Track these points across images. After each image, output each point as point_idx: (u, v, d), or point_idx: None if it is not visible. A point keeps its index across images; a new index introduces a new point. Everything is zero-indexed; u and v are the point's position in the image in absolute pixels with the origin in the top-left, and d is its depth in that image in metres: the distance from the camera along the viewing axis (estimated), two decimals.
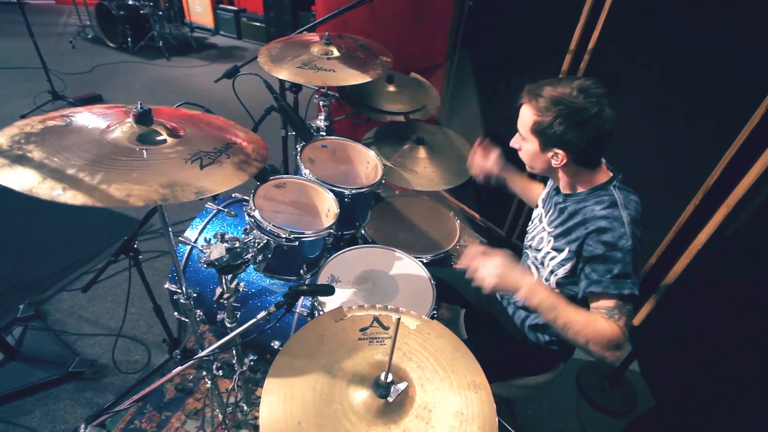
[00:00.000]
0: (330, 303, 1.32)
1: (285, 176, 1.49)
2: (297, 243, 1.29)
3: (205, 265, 1.06)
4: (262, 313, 0.97)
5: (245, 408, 1.61)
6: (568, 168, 1.13)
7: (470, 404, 0.79)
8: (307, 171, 1.57)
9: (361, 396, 0.77)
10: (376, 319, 0.92)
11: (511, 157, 1.57)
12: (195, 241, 1.62)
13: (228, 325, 1.27)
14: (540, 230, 1.27)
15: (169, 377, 0.86)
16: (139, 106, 0.92)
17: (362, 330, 0.90)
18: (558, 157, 1.08)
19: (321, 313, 1.32)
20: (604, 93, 1.02)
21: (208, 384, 1.48)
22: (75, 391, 1.75)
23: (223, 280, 1.15)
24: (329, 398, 0.76)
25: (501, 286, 1.06)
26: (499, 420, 0.80)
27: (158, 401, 1.74)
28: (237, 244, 1.09)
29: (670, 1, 1.60)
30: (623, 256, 1.02)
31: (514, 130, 1.18)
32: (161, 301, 1.71)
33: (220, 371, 1.46)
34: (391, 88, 2.16)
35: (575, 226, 1.11)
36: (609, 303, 1.05)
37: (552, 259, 1.18)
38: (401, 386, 0.78)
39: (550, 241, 1.20)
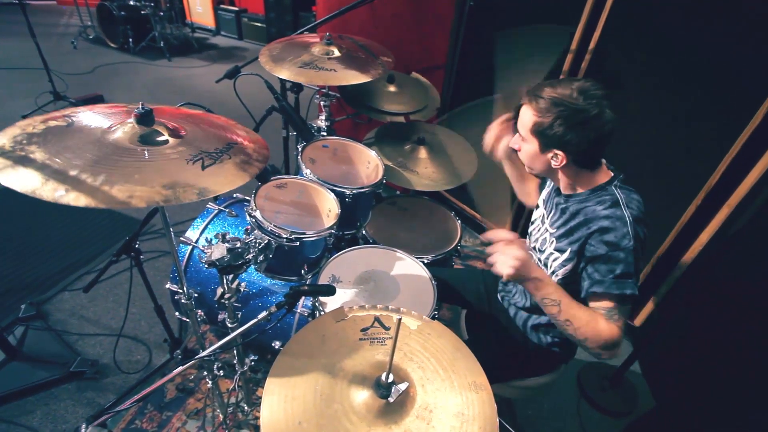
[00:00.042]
0: (331, 303, 1.32)
1: (286, 176, 1.49)
2: (298, 243, 1.30)
3: (206, 266, 1.06)
4: (263, 314, 0.97)
5: (246, 408, 1.61)
6: (567, 169, 1.12)
7: (471, 405, 0.79)
8: (308, 171, 1.57)
9: (362, 396, 0.77)
10: (377, 319, 0.92)
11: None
12: (196, 242, 1.62)
13: (229, 326, 1.27)
14: (542, 231, 1.27)
15: (170, 377, 0.87)
16: (140, 106, 0.93)
17: (363, 330, 0.90)
18: (558, 158, 1.08)
19: (322, 313, 1.32)
20: (605, 94, 1.02)
21: (209, 384, 1.48)
22: (76, 390, 1.75)
23: (224, 280, 1.15)
24: (330, 398, 0.76)
25: (516, 276, 1.05)
26: (499, 420, 0.80)
27: (159, 401, 1.74)
28: (238, 245, 1.09)
29: (670, 1, 1.60)
30: (626, 256, 1.02)
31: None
32: (162, 301, 1.71)
33: (221, 371, 1.46)
34: (392, 89, 2.17)
35: (577, 227, 1.11)
36: (610, 303, 1.05)
37: (555, 260, 1.18)
38: (402, 386, 0.78)
39: (552, 242, 1.20)
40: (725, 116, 1.57)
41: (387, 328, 0.91)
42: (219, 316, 1.31)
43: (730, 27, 1.49)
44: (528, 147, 1.13)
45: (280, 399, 0.75)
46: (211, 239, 1.10)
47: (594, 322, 1.04)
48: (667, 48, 1.65)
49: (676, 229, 1.80)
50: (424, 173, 1.94)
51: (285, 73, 1.64)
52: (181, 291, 1.24)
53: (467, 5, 2.26)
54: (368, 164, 1.81)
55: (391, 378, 0.76)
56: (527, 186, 1.50)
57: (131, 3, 5.20)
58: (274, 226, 1.26)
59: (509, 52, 2.07)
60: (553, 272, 1.19)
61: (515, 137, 1.18)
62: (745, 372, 1.58)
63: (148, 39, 5.31)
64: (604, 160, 1.16)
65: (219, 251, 1.06)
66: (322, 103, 2.05)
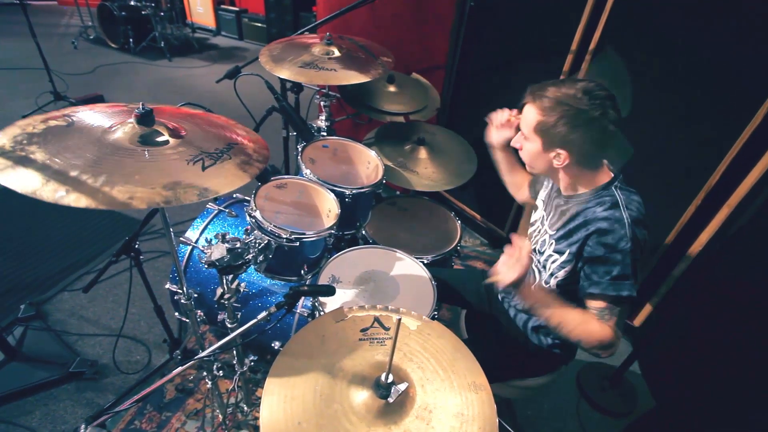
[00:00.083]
0: (331, 303, 1.32)
1: (286, 176, 1.49)
2: (298, 243, 1.30)
3: (206, 266, 1.06)
4: (263, 314, 0.97)
5: (245, 408, 1.61)
6: (569, 169, 1.12)
7: (471, 405, 0.79)
8: (308, 171, 1.57)
9: (361, 396, 0.77)
10: (376, 319, 0.92)
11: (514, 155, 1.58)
12: (196, 242, 1.62)
13: (228, 326, 1.27)
14: (542, 233, 1.27)
15: (169, 378, 0.86)
16: (141, 106, 0.93)
17: (363, 330, 0.90)
18: (560, 158, 1.08)
19: (322, 313, 1.32)
20: (609, 95, 1.02)
21: (209, 384, 1.48)
22: (75, 391, 1.75)
23: (224, 281, 1.15)
24: (330, 399, 0.76)
25: (512, 285, 1.06)
26: (499, 420, 0.80)
27: (158, 402, 1.74)
28: (238, 245, 1.09)
29: (670, 1, 1.60)
30: (623, 258, 1.02)
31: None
32: (162, 302, 1.71)
33: (221, 372, 1.46)
34: (392, 89, 2.17)
35: (576, 228, 1.11)
36: (603, 304, 1.06)
37: (553, 261, 1.18)
38: (402, 387, 0.78)
39: (552, 243, 1.19)
40: (725, 116, 1.57)
41: (387, 329, 0.91)
42: (219, 317, 1.31)
43: (730, 27, 1.49)
44: (530, 146, 1.13)
45: (280, 399, 0.75)
46: (211, 239, 1.10)
47: (585, 323, 1.06)
48: (667, 48, 1.65)
49: (676, 229, 1.81)
50: (424, 173, 1.94)
51: (285, 73, 1.64)
52: (180, 291, 1.24)
53: (468, 5, 2.26)
54: (368, 164, 1.81)
55: (390, 378, 0.76)
56: (516, 177, 1.52)
57: (132, 3, 5.20)
58: (274, 226, 1.26)
59: None
60: (552, 274, 1.19)
61: (517, 136, 1.18)
62: (745, 372, 1.57)
63: (148, 39, 5.32)
64: (605, 161, 1.16)
65: (219, 251, 1.06)
66: (322, 103, 2.05)
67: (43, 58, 3.44)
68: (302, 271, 1.42)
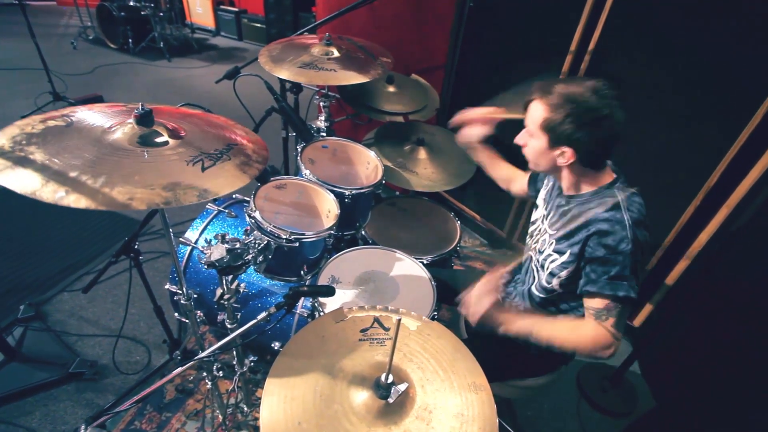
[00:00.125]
0: (330, 304, 1.32)
1: (285, 177, 1.49)
2: (297, 244, 1.30)
3: (205, 266, 1.06)
4: (263, 314, 0.97)
5: (245, 409, 1.61)
6: (573, 167, 1.12)
7: (471, 405, 0.79)
8: (307, 171, 1.57)
9: (361, 397, 0.77)
10: (376, 320, 0.92)
11: (513, 157, 1.58)
12: (195, 242, 1.62)
13: (228, 326, 1.27)
14: (542, 232, 1.27)
15: (169, 378, 0.86)
16: (140, 107, 0.93)
17: (363, 331, 0.90)
18: (565, 156, 1.08)
19: (321, 314, 1.32)
20: (616, 95, 1.02)
21: (209, 385, 1.48)
22: (75, 391, 1.75)
23: (224, 281, 1.15)
24: (330, 399, 0.76)
25: (483, 320, 1.15)
26: (499, 421, 0.80)
27: (158, 402, 1.74)
28: (237, 245, 1.09)
29: (670, 1, 1.60)
30: (623, 259, 1.02)
31: (516, 131, 1.18)
32: (162, 302, 1.71)
33: (221, 372, 1.46)
34: (391, 89, 2.17)
35: (578, 229, 1.11)
36: (600, 303, 1.06)
37: (552, 261, 1.18)
38: (402, 387, 0.78)
39: (552, 243, 1.19)
40: (725, 116, 1.57)
41: (386, 329, 0.91)
42: (218, 317, 1.31)
43: (730, 27, 1.49)
44: (535, 143, 1.12)
45: (280, 399, 0.75)
46: (211, 240, 1.10)
47: (575, 330, 1.09)
48: (667, 48, 1.65)
49: (675, 229, 1.81)
50: (424, 174, 1.94)
51: (285, 73, 1.64)
52: (180, 292, 1.23)
53: (467, 6, 2.26)
54: (368, 165, 1.81)
55: (390, 379, 0.76)
56: (501, 171, 1.54)
57: (131, 4, 5.20)
58: (274, 226, 1.26)
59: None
60: (552, 273, 1.18)
61: (521, 133, 1.17)
62: (745, 372, 1.58)
63: (147, 39, 5.31)
64: (609, 161, 1.16)
65: (218, 252, 1.06)
66: (321, 103, 2.05)
67: (42, 58, 3.44)
68: (302, 272, 1.42)
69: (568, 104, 1.02)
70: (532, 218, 1.37)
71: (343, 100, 2.15)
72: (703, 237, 1.70)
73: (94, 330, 2.00)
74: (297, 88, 2.08)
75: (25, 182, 0.74)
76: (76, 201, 0.73)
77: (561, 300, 1.25)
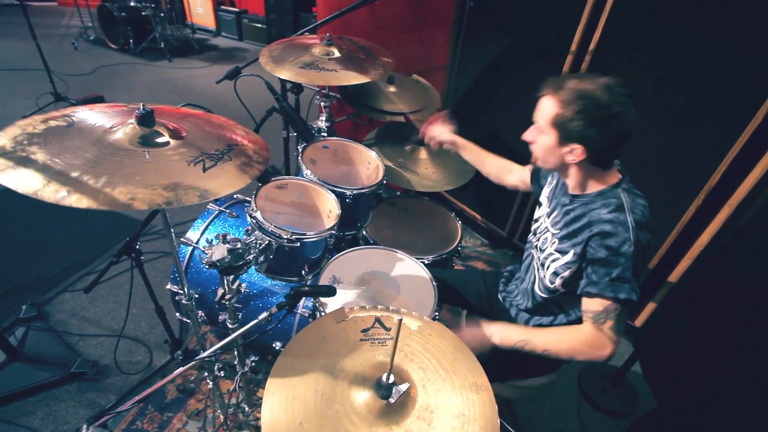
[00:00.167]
0: (331, 304, 1.32)
1: (287, 177, 1.50)
2: (298, 244, 1.30)
3: (206, 266, 1.06)
4: (264, 314, 0.97)
5: (247, 409, 1.61)
6: (582, 166, 1.11)
7: (472, 405, 0.79)
8: (308, 172, 1.57)
9: (362, 397, 0.77)
10: (377, 320, 0.92)
11: (514, 157, 1.58)
12: (197, 242, 1.62)
13: (229, 326, 1.27)
14: (544, 230, 1.26)
15: (170, 378, 0.87)
16: (141, 107, 0.93)
17: (364, 331, 0.90)
18: (575, 153, 1.06)
19: (322, 314, 1.32)
20: (629, 93, 1.01)
21: (210, 385, 1.48)
22: (77, 391, 1.75)
23: (225, 281, 1.15)
24: (331, 399, 0.76)
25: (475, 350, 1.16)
26: (500, 421, 0.80)
27: (160, 402, 1.74)
28: (239, 245, 1.09)
29: (670, 1, 1.60)
30: (624, 261, 1.02)
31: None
32: (163, 302, 1.72)
33: (222, 372, 1.46)
34: (392, 89, 2.17)
35: (581, 229, 1.11)
36: (600, 305, 1.06)
37: (554, 261, 1.18)
38: (403, 387, 0.78)
39: (554, 242, 1.19)
40: (726, 116, 1.57)
41: (388, 329, 0.91)
42: (219, 317, 1.31)
43: (730, 27, 1.49)
44: (545, 139, 1.11)
45: (281, 400, 0.75)
46: (212, 240, 1.10)
47: (569, 338, 1.10)
48: (667, 48, 1.65)
49: (677, 229, 1.80)
50: (425, 174, 1.94)
51: (285, 73, 1.64)
52: (181, 292, 1.24)
53: (467, 6, 2.26)
54: (369, 165, 1.82)
55: (391, 379, 0.76)
56: (490, 165, 1.57)
57: (132, 4, 5.20)
58: (275, 226, 1.27)
59: None
60: (555, 273, 1.18)
61: (530, 129, 1.16)
62: (745, 372, 1.57)
63: (148, 40, 5.32)
64: (617, 161, 1.15)
65: (220, 252, 1.06)
66: (322, 103, 2.05)
67: (43, 59, 3.45)
68: (303, 272, 1.42)
69: (580, 100, 1.01)
70: (535, 216, 1.37)
71: (344, 101, 2.15)
72: (705, 237, 1.70)
73: (95, 330, 2.00)
74: (298, 88, 2.08)
75: (26, 182, 0.74)
76: (78, 201, 0.73)
77: (563, 301, 1.24)
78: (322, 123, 2.05)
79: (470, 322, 1.26)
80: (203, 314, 1.61)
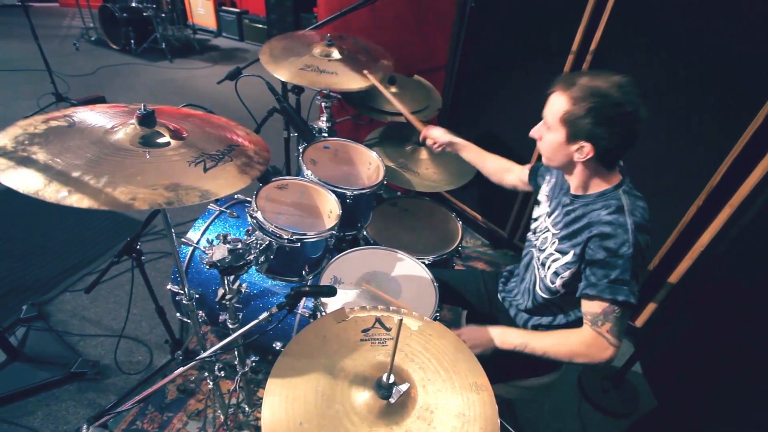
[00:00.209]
0: (332, 304, 1.32)
1: (287, 177, 1.50)
2: (299, 244, 1.30)
3: (207, 266, 1.06)
4: (264, 314, 0.97)
5: (247, 409, 1.61)
6: (588, 164, 1.09)
7: (472, 405, 0.79)
8: (309, 172, 1.57)
9: (363, 397, 0.77)
10: (378, 320, 0.92)
11: (514, 157, 1.58)
12: (197, 243, 1.62)
13: (230, 326, 1.27)
14: (544, 230, 1.26)
15: (171, 378, 0.87)
16: (142, 107, 0.93)
17: (364, 331, 0.90)
18: (583, 151, 1.05)
19: (323, 314, 1.32)
20: (641, 93, 1.00)
21: (210, 385, 1.48)
22: (77, 391, 1.75)
23: (226, 281, 1.15)
24: (331, 399, 0.76)
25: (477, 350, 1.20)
26: (501, 421, 0.80)
27: (160, 402, 1.74)
28: (239, 246, 1.09)
29: (670, 1, 1.60)
30: (623, 263, 1.02)
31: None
32: (163, 302, 1.72)
33: (222, 372, 1.46)
34: (393, 90, 2.17)
35: (580, 230, 1.11)
36: (598, 307, 1.06)
37: (554, 261, 1.18)
38: (403, 387, 0.78)
39: (554, 242, 1.19)
40: (726, 116, 1.57)
41: (388, 329, 0.91)
42: (220, 317, 1.31)
43: (731, 27, 1.49)
44: (553, 136, 1.09)
45: (281, 400, 0.75)
46: (213, 240, 1.10)
47: (568, 341, 1.11)
48: (668, 48, 1.65)
49: (677, 229, 1.80)
50: (425, 174, 1.94)
51: (286, 75, 1.65)
52: (182, 292, 1.24)
53: (468, 6, 2.26)
54: (369, 165, 1.82)
55: (392, 379, 0.76)
56: (489, 164, 1.59)
57: (133, 5, 5.21)
58: (276, 227, 1.27)
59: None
60: (555, 273, 1.18)
61: (537, 126, 1.15)
62: (746, 372, 1.57)
63: (149, 40, 5.33)
64: (621, 162, 1.14)
65: (220, 252, 1.06)
66: (323, 104, 2.05)
67: (44, 59, 3.45)
68: (303, 272, 1.42)
69: (592, 98, 0.99)
70: (534, 215, 1.36)
71: (345, 101, 2.16)
72: (706, 237, 1.70)
73: (96, 330, 2.01)
74: (298, 88, 2.09)
75: (27, 182, 0.74)
76: (79, 201, 0.73)
77: (563, 302, 1.24)
78: (322, 123, 2.05)
79: (471, 325, 1.27)
80: (204, 314, 1.61)
